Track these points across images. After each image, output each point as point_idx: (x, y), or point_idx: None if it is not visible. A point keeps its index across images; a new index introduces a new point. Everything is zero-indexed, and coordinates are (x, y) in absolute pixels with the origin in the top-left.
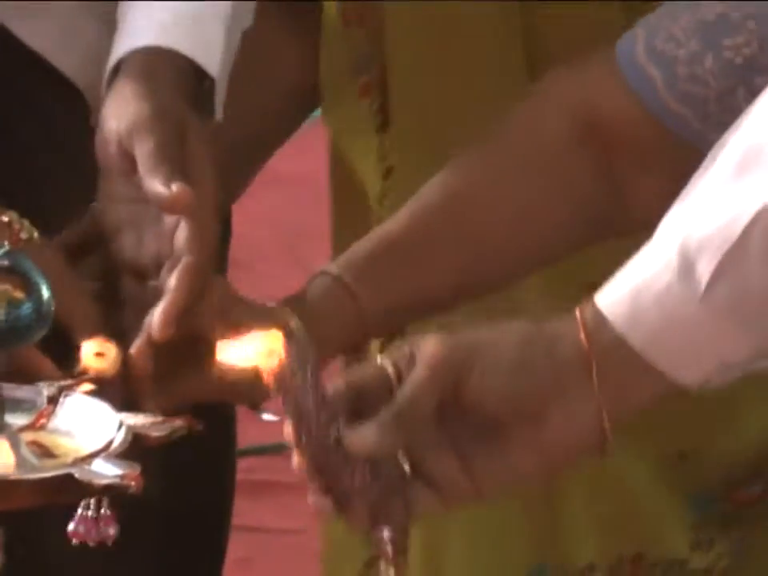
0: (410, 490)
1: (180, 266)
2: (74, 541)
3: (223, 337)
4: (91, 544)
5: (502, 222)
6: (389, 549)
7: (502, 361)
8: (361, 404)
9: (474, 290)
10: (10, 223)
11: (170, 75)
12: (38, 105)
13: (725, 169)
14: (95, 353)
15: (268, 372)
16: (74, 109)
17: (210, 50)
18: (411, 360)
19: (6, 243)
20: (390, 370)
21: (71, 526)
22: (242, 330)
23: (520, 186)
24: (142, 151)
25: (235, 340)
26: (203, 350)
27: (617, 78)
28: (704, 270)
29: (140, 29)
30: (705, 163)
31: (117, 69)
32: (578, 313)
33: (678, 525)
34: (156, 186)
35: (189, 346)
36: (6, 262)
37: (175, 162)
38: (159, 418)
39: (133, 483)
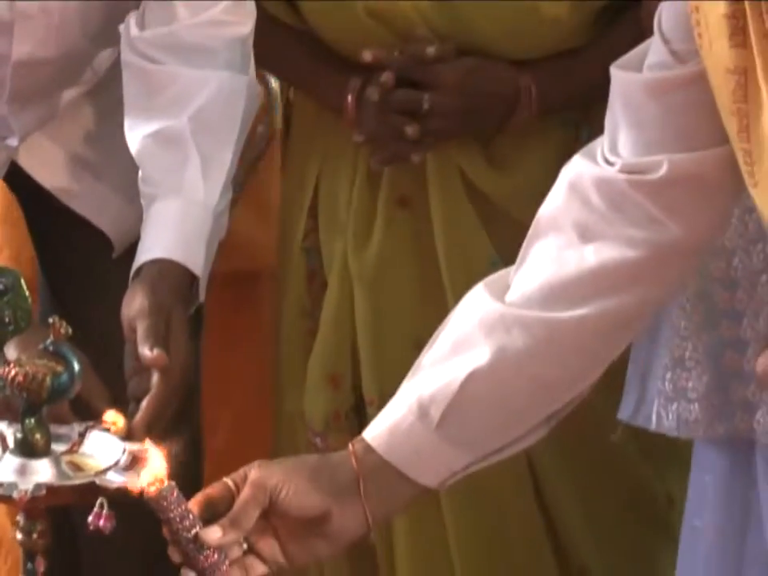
0: (248, 561)
1: (148, 396)
2: (91, 527)
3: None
4: (106, 532)
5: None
6: None
7: (299, 484)
8: (216, 508)
9: None
10: (54, 323)
11: (168, 279)
12: (79, 247)
13: (444, 348)
14: (111, 422)
15: (148, 494)
16: (105, 250)
17: (196, 259)
18: (245, 479)
19: (51, 336)
20: (233, 488)
21: (89, 519)
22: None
23: None
24: (140, 330)
25: (128, 473)
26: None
27: None
28: (435, 414)
29: (152, 246)
30: (429, 343)
31: (138, 270)
32: (351, 446)
33: None
34: (145, 350)
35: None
36: (51, 348)
37: (160, 338)
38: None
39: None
